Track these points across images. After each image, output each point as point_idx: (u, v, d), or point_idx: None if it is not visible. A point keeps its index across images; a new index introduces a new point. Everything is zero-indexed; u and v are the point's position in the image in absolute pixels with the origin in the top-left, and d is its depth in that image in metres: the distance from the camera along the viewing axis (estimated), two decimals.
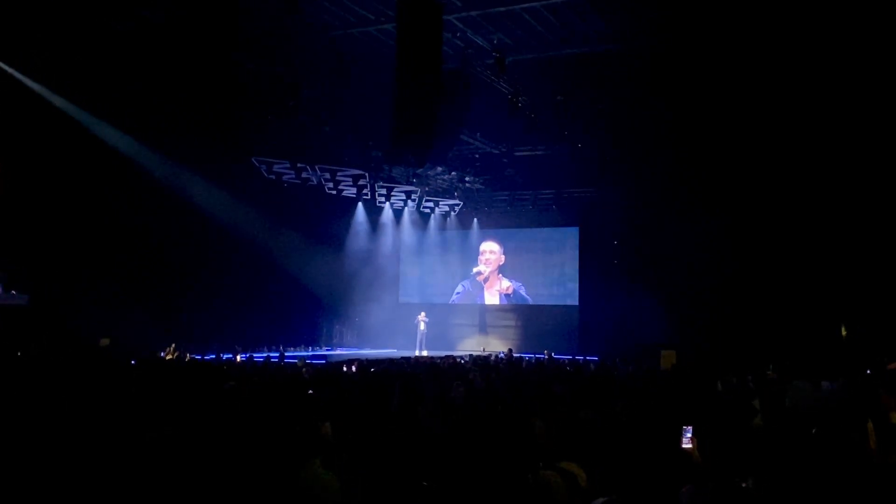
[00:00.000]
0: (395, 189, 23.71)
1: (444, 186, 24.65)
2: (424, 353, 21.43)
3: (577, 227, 24.45)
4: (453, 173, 23.41)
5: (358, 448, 5.41)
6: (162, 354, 16.13)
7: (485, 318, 26.05)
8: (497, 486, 4.37)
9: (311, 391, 8.07)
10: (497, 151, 22.23)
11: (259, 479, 4.20)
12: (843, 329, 18.04)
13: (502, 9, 13.96)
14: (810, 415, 7.23)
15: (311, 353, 20.92)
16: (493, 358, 16.44)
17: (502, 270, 26.04)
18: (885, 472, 5.40)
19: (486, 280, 26.09)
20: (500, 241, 26.14)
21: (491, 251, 26.21)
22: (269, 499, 4.07)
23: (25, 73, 15.55)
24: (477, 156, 22.66)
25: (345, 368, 12.84)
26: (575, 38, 15.09)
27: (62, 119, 16.37)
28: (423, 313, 23.92)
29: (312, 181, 21.81)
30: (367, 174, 22.00)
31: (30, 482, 4.21)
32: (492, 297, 26.13)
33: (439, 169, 22.86)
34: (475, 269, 26.17)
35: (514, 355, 17.98)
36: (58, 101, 16.28)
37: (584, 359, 17.21)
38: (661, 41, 14.83)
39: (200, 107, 17.01)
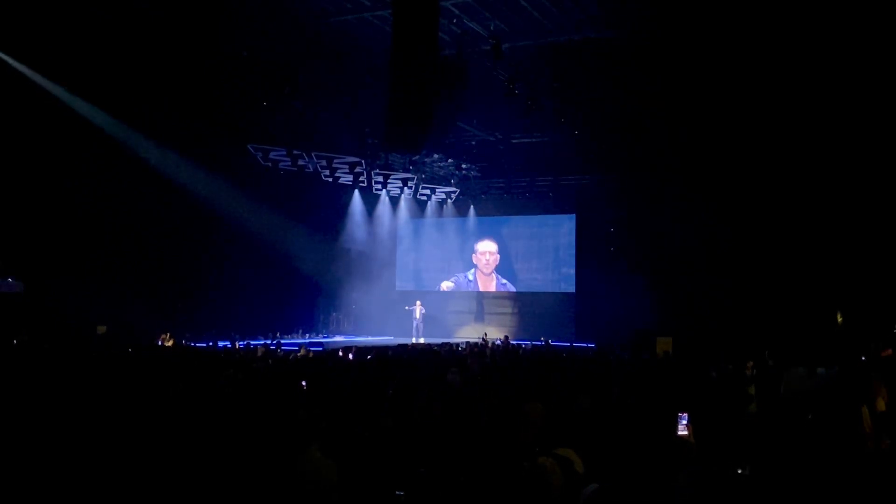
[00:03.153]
0: (392, 176, 23.63)
1: (440, 174, 24.59)
2: (421, 341, 21.40)
3: (574, 215, 24.45)
4: (450, 160, 23.35)
5: (356, 435, 5.43)
6: (159, 343, 16.18)
7: (482, 306, 26.06)
8: (493, 473, 4.39)
9: (305, 382, 8.07)
10: (493, 139, 22.18)
11: (258, 467, 4.21)
12: (838, 316, 18.10)
13: None
14: (806, 401, 7.28)
15: (308, 341, 20.93)
16: (490, 345, 16.48)
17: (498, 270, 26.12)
18: (876, 455, 5.45)
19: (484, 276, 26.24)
20: (496, 238, 26.15)
21: (490, 252, 26.22)
22: (269, 486, 4.09)
23: (20, 60, 15.46)
24: (473, 143, 22.60)
25: (341, 354, 12.89)
26: (572, 24, 15.02)
27: (58, 107, 16.29)
28: (418, 302, 23.89)
29: (309, 168, 21.75)
30: (363, 161, 21.94)
31: (27, 471, 4.22)
32: (488, 286, 26.21)
33: (436, 156, 22.80)
34: (468, 274, 26.30)
35: (511, 342, 18.03)
36: (54, 88, 16.20)
37: (585, 346, 17.24)
38: (658, 28, 14.77)
39: (196, 94, 16.94)
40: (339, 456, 4.38)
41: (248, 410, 5.70)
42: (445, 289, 23.42)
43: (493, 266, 26.08)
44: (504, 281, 25.86)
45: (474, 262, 26.38)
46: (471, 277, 26.39)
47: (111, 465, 4.44)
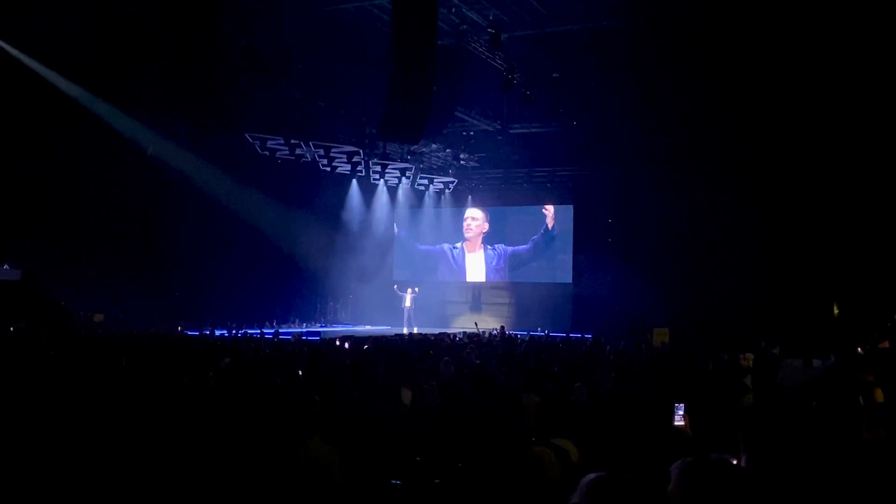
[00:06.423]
0: (390, 166, 23.57)
1: (438, 164, 24.56)
2: (415, 331, 21.20)
3: (572, 206, 24.43)
4: (448, 150, 23.30)
5: (352, 424, 5.45)
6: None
7: (479, 296, 26.02)
8: (490, 463, 4.41)
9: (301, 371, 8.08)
10: (492, 129, 22.14)
11: (260, 455, 4.22)
12: (835, 308, 18.14)
13: None
14: (801, 392, 7.31)
15: (305, 330, 20.94)
16: (486, 335, 16.48)
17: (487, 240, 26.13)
18: (872, 448, 5.47)
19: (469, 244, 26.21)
20: (486, 211, 26.14)
21: (473, 217, 26.20)
22: (270, 473, 4.10)
23: (22, 50, 15.38)
24: (471, 133, 22.56)
25: (338, 343, 12.91)
26: (570, 14, 15.01)
27: (57, 95, 16.22)
28: (409, 289, 23.78)
29: (306, 157, 21.67)
30: (361, 151, 21.87)
31: (26, 463, 4.22)
32: (476, 265, 26.19)
33: (434, 146, 22.76)
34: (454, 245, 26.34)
35: (507, 333, 18.03)
36: (54, 78, 16.12)
37: (581, 336, 17.24)
38: (657, 18, 14.75)
39: (194, 82, 16.85)
40: (341, 445, 4.40)
41: (247, 399, 5.72)
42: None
43: (479, 233, 26.05)
44: (489, 247, 25.86)
45: (464, 230, 26.36)
46: (457, 245, 26.41)
47: (109, 456, 4.45)
